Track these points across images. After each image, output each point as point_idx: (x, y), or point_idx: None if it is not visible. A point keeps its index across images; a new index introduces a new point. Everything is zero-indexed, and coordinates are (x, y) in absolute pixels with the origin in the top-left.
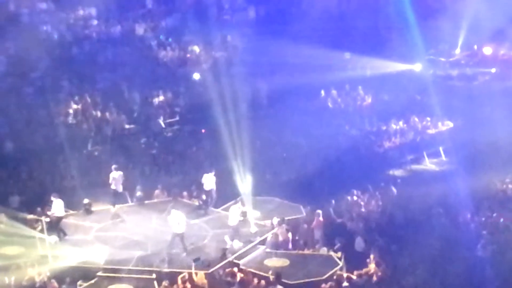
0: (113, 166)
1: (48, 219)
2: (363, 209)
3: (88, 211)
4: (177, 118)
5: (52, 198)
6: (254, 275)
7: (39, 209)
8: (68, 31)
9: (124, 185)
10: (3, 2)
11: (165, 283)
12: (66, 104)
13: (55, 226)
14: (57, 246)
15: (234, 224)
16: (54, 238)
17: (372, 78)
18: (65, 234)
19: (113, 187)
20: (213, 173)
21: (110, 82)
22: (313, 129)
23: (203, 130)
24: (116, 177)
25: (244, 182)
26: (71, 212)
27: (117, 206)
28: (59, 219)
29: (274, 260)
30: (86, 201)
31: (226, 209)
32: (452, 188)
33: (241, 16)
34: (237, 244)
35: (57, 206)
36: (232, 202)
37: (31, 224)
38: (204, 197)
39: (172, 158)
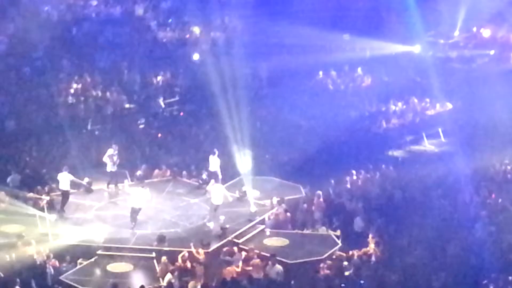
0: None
1: (48, 197)
2: (362, 189)
3: (88, 190)
4: (177, 98)
5: (64, 171)
6: (254, 253)
7: (39, 187)
8: (68, 11)
9: (120, 163)
10: None
11: (164, 259)
12: (66, 84)
13: (62, 200)
14: (57, 225)
15: (218, 203)
16: (54, 216)
17: (371, 60)
18: (63, 211)
19: (108, 167)
20: (216, 154)
21: (110, 62)
22: (313, 110)
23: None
24: (111, 153)
25: (244, 162)
26: (71, 190)
27: (118, 185)
28: (66, 193)
29: (274, 239)
30: (86, 180)
31: (227, 189)
32: (451, 169)
33: None
34: (211, 224)
35: (65, 181)
36: (233, 181)
37: (31, 202)
38: (204, 176)
39: (172, 137)
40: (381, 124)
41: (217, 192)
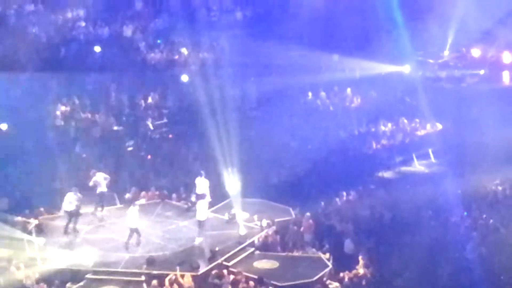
0: (92, 171)
1: (37, 221)
2: (352, 211)
3: (66, 212)
4: (165, 120)
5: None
6: (243, 276)
7: (27, 211)
8: (56, 32)
9: (109, 186)
10: None
11: (154, 283)
12: (54, 106)
13: (75, 220)
14: (46, 248)
15: (202, 219)
16: (42, 240)
17: (361, 80)
18: (76, 231)
19: (99, 189)
20: (203, 176)
21: (98, 84)
22: (302, 131)
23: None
24: (98, 179)
25: (233, 184)
26: (60, 214)
27: (104, 208)
28: (74, 214)
29: (263, 262)
30: (66, 202)
31: (216, 211)
32: (441, 189)
33: (229, 17)
34: (199, 240)
35: (72, 202)
36: (222, 204)
37: (19, 226)
38: (193, 199)
39: (161, 160)
40: (370, 144)
41: (201, 208)
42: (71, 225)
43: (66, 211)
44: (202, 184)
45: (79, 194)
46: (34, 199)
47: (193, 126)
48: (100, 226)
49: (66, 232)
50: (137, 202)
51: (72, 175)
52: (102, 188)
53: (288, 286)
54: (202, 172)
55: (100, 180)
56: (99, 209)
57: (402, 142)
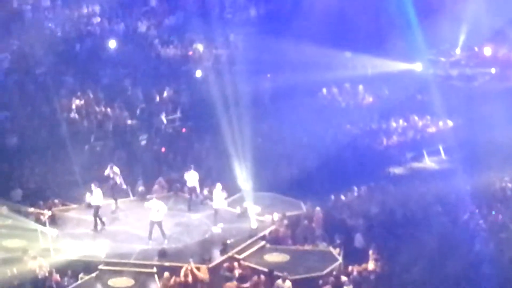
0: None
1: (50, 212)
2: (363, 206)
3: (90, 205)
4: (179, 114)
5: (93, 187)
6: (254, 270)
7: (41, 202)
8: (72, 28)
9: (122, 179)
10: None
11: (166, 275)
12: (69, 100)
13: (95, 215)
14: (59, 239)
15: (217, 206)
16: (55, 231)
17: (373, 77)
18: (103, 223)
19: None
20: (192, 170)
21: (113, 78)
22: (314, 127)
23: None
24: (112, 173)
25: (245, 177)
26: (73, 206)
27: (118, 200)
28: (98, 207)
29: (274, 255)
30: (88, 195)
31: (228, 204)
32: (451, 186)
33: (242, 14)
34: (218, 228)
35: (97, 195)
36: (234, 197)
37: (33, 217)
38: (205, 192)
39: (174, 153)
40: (382, 141)
41: (156, 208)
42: (98, 219)
43: (93, 205)
44: (192, 178)
45: (99, 189)
46: (48, 190)
47: (206, 121)
48: (113, 218)
49: (96, 226)
50: (149, 198)
51: (85, 168)
52: (116, 181)
53: (299, 279)
54: (191, 166)
55: (115, 173)
56: (114, 201)
57: (413, 138)
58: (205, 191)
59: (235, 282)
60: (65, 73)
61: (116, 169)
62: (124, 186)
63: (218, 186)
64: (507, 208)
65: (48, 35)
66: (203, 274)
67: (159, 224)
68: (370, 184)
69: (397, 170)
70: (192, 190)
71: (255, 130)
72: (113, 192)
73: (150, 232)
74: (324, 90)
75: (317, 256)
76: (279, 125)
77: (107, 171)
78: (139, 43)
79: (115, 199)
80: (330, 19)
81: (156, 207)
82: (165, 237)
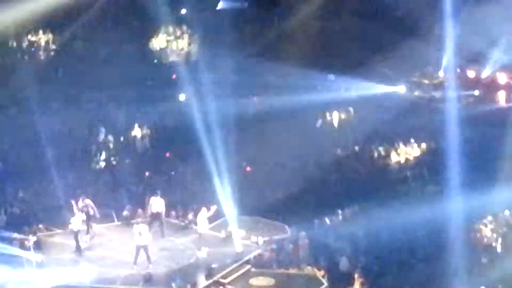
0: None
1: (35, 238)
2: (347, 230)
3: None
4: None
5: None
6: None
7: (25, 228)
8: (55, 50)
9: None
10: None
11: None
12: (52, 124)
13: (75, 239)
14: (44, 265)
15: (202, 231)
16: (40, 257)
17: (356, 100)
18: (79, 248)
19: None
20: (158, 196)
21: (96, 102)
22: (298, 150)
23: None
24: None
25: (230, 201)
26: (58, 231)
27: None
28: (77, 232)
29: (260, 279)
30: (72, 220)
31: (213, 229)
32: (436, 209)
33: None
34: (203, 252)
35: (76, 220)
36: (218, 221)
37: (17, 243)
38: (190, 216)
39: (158, 178)
40: (366, 163)
41: (202, 220)
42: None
43: (74, 230)
44: (157, 203)
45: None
46: (32, 216)
47: (190, 144)
48: (98, 243)
49: (79, 250)
50: (133, 222)
51: (69, 193)
52: (89, 212)
53: None
54: (158, 191)
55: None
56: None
57: (397, 161)
58: (190, 215)
59: None
60: (49, 97)
61: (88, 201)
62: (98, 216)
63: (204, 210)
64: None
65: (30, 58)
66: None
67: (145, 248)
68: (355, 207)
69: (381, 193)
70: (156, 216)
71: (239, 153)
72: (88, 223)
73: (136, 257)
74: (307, 113)
75: (303, 279)
76: (263, 148)
77: (80, 204)
78: (122, 65)
79: (90, 229)
80: (314, 41)
81: (140, 231)
82: (150, 261)
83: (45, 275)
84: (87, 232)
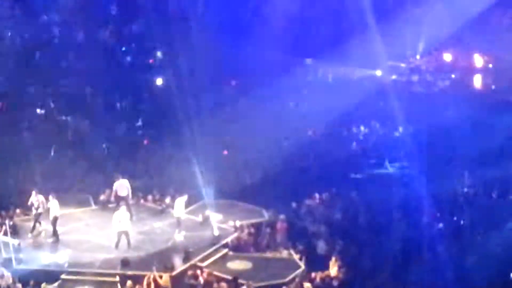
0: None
1: (11, 222)
2: (325, 212)
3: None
4: (140, 123)
5: (50, 198)
6: (217, 277)
7: (2, 212)
8: (32, 36)
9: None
10: None
11: (129, 284)
12: (29, 110)
13: (53, 224)
14: (21, 249)
15: (178, 215)
16: (17, 241)
17: (333, 84)
18: (57, 237)
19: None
20: (120, 178)
21: (73, 87)
22: (275, 133)
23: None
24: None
25: (207, 185)
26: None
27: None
28: (56, 218)
29: (237, 263)
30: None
31: (190, 212)
32: (413, 191)
33: (203, 22)
34: (180, 236)
35: (54, 206)
36: (196, 205)
37: None
38: (167, 200)
39: (135, 162)
40: (343, 147)
41: (179, 205)
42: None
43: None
44: (122, 187)
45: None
46: (9, 200)
47: (167, 129)
48: (76, 228)
49: (56, 236)
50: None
51: (46, 178)
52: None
53: (262, 286)
54: (120, 175)
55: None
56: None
57: (375, 144)
58: (167, 200)
59: None
60: (25, 82)
61: (40, 196)
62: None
63: (183, 196)
64: (468, 213)
65: (7, 44)
66: (165, 282)
67: (126, 234)
68: (332, 190)
69: (359, 176)
70: (121, 199)
71: (216, 138)
72: (36, 218)
73: (118, 242)
74: (284, 97)
75: (280, 263)
76: (240, 132)
77: (32, 198)
78: (100, 51)
79: (37, 224)
80: (291, 25)
81: (119, 219)
82: (130, 246)
83: (22, 259)
84: (33, 228)
